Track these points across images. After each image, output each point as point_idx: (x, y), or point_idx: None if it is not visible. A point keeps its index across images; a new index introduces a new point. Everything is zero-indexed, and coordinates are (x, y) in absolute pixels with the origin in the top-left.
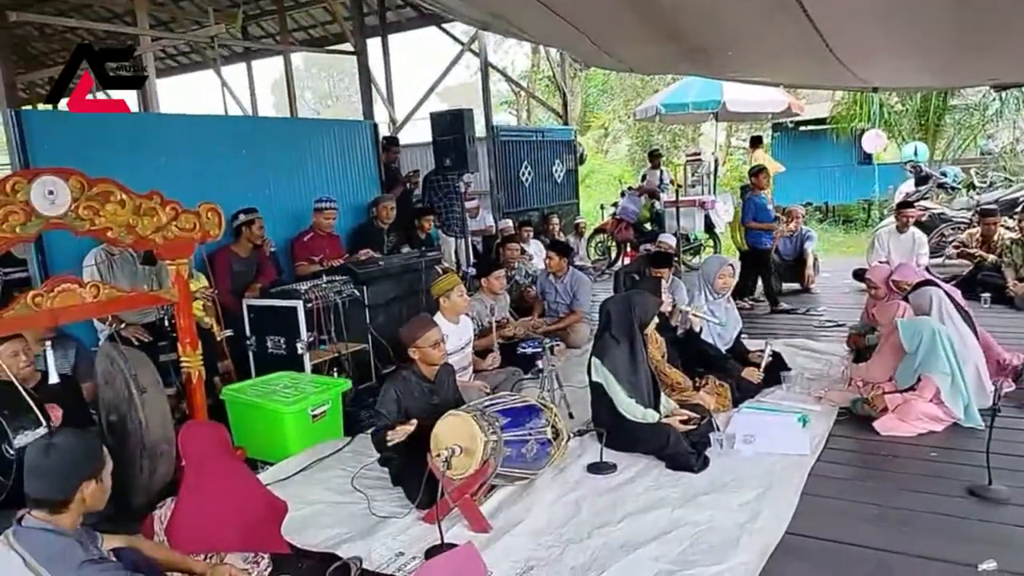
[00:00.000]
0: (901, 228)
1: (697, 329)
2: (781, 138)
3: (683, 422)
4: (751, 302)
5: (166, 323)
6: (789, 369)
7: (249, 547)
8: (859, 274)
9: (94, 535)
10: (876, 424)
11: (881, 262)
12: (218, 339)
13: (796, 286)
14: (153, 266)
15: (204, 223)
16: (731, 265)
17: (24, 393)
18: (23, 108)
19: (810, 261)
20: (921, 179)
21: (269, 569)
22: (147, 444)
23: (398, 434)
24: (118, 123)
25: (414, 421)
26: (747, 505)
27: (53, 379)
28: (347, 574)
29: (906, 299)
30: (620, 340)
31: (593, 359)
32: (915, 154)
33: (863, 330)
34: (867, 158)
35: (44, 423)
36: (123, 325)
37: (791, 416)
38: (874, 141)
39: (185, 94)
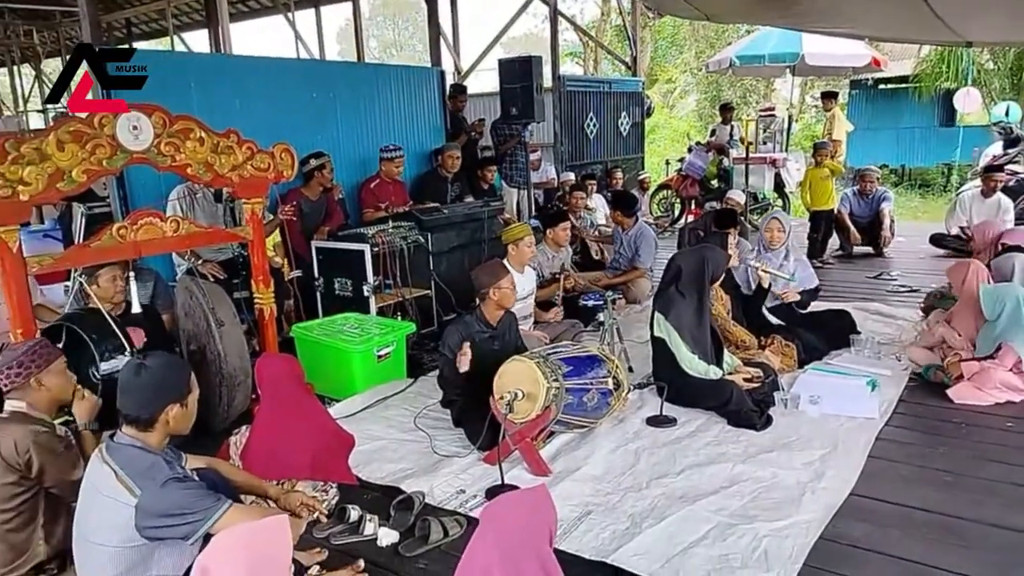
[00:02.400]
0: (986, 193)
1: (766, 285)
2: (858, 96)
3: (747, 380)
4: (820, 263)
5: (239, 260)
6: (859, 332)
7: (318, 476)
8: (937, 239)
9: (179, 454)
10: (950, 392)
11: (961, 227)
12: (287, 279)
13: (869, 249)
14: (220, 203)
15: (278, 163)
16: (776, 219)
17: (110, 320)
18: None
19: (886, 222)
20: (1010, 142)
21: (336, 499)
22: (225, 374)
23: (463, 361)
24: (196, 63)
25: (467, 348)
26: (811, 465)
27: (136, 308)
28: (411, 507)
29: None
30: (687, 295)
31: (657, 315)
32: (1006, 115)
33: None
34: (951, 120)
35: (128, 349)
36: (200, 261)
37: (860, 379)
38: (966, 100)
39: (256, 40)
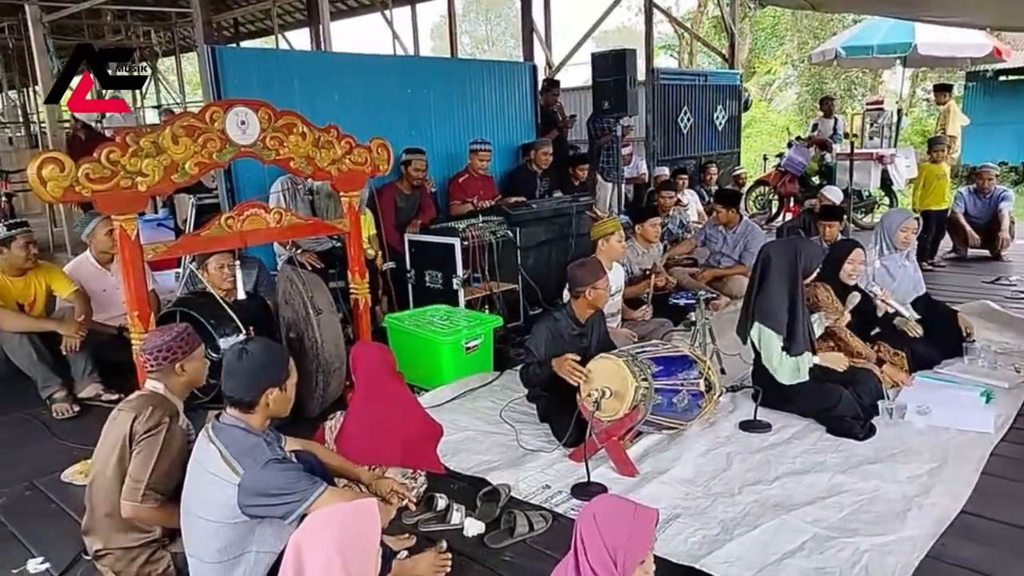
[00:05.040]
0: None
1: (880, 314)
2: (975, 88)
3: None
4: (930, 265)
5: (333, 251)
6: (973, 340)
7: (408, 464)
8: None
9: (279, 436)
10: None
11: None
12: (381, 270)
13: (985, 252)
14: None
15: (375, 158)
16: (916, 219)
17: (224, 304)
18: (217, 45)
19: (1005, 223)
20: None
21: (424, 487)
22: (321, 361)
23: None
24: (298, 60)
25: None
26: (917, 479)
27: (241, 295)
28: (496, 499)
29: None
30: (777, 287)
31: (756, 325)
32: None
33: None
34: None
35: (243, 331)
36: (299, 251)
37: (973, 390)
38: None
39: (354, 37)
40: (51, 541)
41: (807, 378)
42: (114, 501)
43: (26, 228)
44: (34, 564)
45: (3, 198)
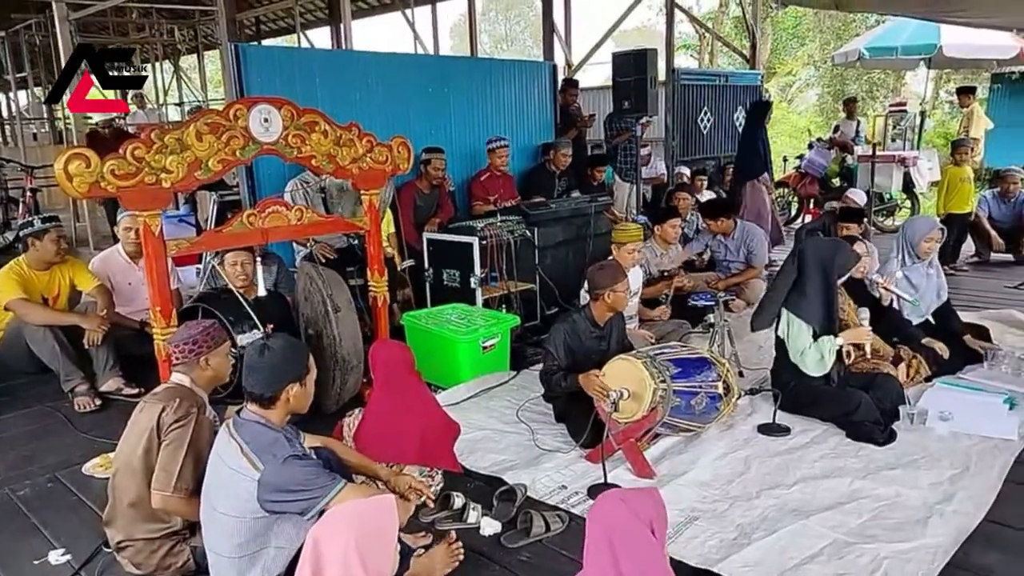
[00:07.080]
0: None
1: (885, 304)
2: (1001, 91)
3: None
4: (952, 269)
5: (349, 248)
6: (998, 347)
7: (425, 462)
8: None
9: (297, 432)
10: None
11: None
12: (399, 269)
13: (1009, 257)
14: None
15: (395, 156)
16: (941, 229)
17: (243, 301)
18: (240, 43)
19: None
20: None
21: (441, 485)
22: (339, 358)
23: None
24: (320, 59)
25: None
26: (939, 485)
27: (261, 292)
28: (513, 499)
29: None
30: (811, 284)
31: (783, 312)
32: None
33: None
34: None
35: (260, 328)
36: (314, 243)
37: (995, 396)
38: None
39: (375, 36)
40: (72, 533)
41: (830, 368)
42: (139, 491)
43: (58, 223)
44: (55, 556)
45: (28, 193)
